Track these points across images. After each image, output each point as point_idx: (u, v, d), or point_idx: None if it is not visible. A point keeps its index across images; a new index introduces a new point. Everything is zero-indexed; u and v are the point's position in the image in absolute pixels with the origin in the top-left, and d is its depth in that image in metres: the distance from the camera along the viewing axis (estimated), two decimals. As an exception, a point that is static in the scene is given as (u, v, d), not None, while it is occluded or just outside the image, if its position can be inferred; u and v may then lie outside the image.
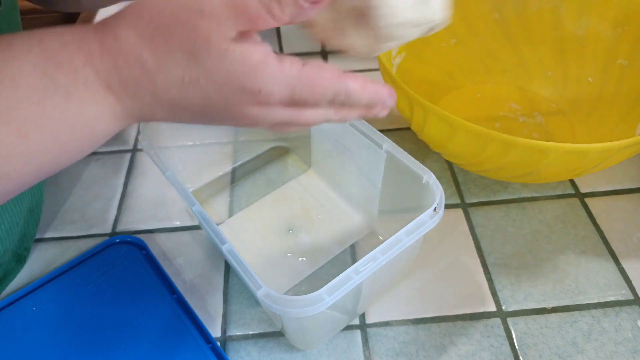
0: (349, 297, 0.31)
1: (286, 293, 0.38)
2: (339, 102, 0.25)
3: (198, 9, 0.22)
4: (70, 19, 0.70)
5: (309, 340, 0.36)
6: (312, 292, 0.27)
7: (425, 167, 0.34)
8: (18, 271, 0.41)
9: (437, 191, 0.32)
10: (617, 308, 0.37)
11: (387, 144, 0.36)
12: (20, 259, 0.41)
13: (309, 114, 0.26)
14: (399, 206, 0.39)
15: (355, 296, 0.33)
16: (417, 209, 0.32)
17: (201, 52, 0.23)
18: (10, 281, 0.40)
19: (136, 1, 0.24)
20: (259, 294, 0.28)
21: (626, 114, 0.46)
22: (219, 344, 0.36)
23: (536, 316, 0.37)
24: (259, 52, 0.23)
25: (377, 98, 0.26)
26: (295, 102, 0.25)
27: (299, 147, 0.49)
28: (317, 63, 0.24)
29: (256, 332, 0.37)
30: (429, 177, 0.33)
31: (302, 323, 0.32)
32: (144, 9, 0.24)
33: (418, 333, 0.37)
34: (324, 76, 0.24)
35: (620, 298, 0.38)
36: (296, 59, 0.24)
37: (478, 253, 0.41)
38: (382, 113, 0.27)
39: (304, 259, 0.41)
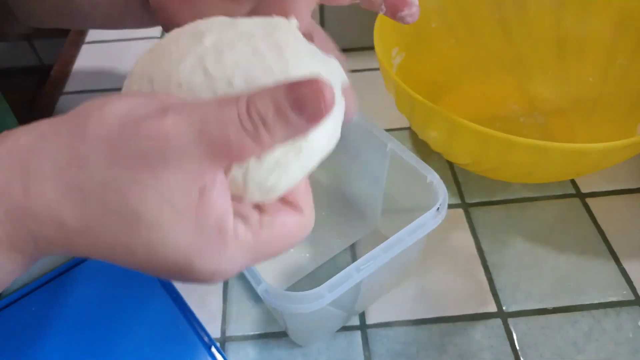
0: (349, 295, 0.31)
1: (288, 289, 0.39)
2: None
3: (160, 151, 0.17)
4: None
5: (310, 336, 0.36)
6: (313, 288, 0.28)
7: (429, 167, 0.34)
8: None
9: (440, 191, 0.32)
10: (617, 308, 0.37)
11: (392, 143, 0.36)
12: None
13: None
14: (402, 205, 0.39)
15: (355, 294, 0.33)
16: (420, 209, 0.32)
17: (144, 222, 0.18)
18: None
19: (60, 121, 0.19)
20: (260, 289, 0.28)
21: (627, 113, 0.46)
22: (218, 344, 0.36)
23: (537, 316, 0.37)
24: (223, 216, 0.18)
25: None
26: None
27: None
28: (278, 219, 0.20)
29: (256, 332, 0.37)
30: (433, 177, 0.33)
31: (303, 319, 0.32)
32: (76, 141, 0.18)
33: (418, 334, 0.37)
34: (286, 235, 0.20)
35: (620, 298, 0.38)
36: (253, 216, 0.20)
37: (478, 253, 0.41)
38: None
39: (307, 255, 0.41)
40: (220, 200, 0.18)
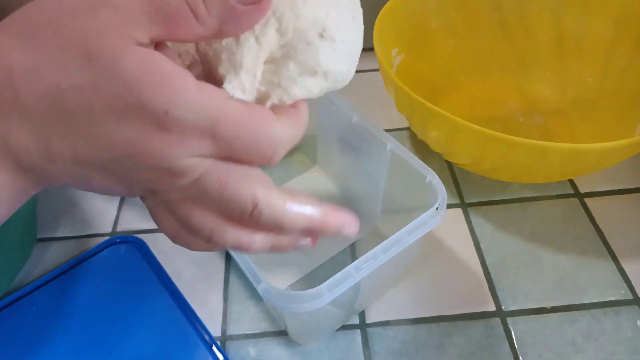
0: (349, 294, 0.31)
1: (288, 288, 0.39)
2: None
3: None
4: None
5: (309, 335, 0.36)
6: (312, 288, 0.28)
7: (428, 167, 0.34)
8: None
9: (439, 191, 0.33)
10: (616, 308, 0.38)
11: (392, 143, 0.36)
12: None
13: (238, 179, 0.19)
14: (402, 205, 0.39)
15: (355, 293, 0.34)
16: (420, 209, 0.32)
17: (91, 50, 0.17)
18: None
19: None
20: (260, 288, 0.28)
21: (626, 114, 0.46)
22: (219, 343, 0.36)
23: (536, 316, 0.37)
24: (171, 64, 0.17)
25: None
26: (217, 149, 0.18)
27: (305, 145, 0.49)
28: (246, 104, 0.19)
29: (256, 331, 0.37)
30: (432, 177, 0.33)
31: (302, 318, 0.32)
32: (29, 7, 0.18)
33: (418, 333, 0.37)
34: (255, 116, 0.18)
35: (619, 298, 0.38)
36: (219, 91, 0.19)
37: (478, 253, 0.41)
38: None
39: (307, 255, 0.41)
40: (166, 60, 0.17)
